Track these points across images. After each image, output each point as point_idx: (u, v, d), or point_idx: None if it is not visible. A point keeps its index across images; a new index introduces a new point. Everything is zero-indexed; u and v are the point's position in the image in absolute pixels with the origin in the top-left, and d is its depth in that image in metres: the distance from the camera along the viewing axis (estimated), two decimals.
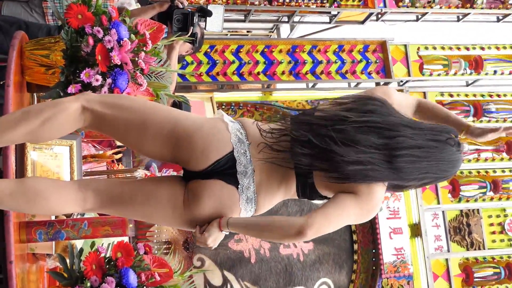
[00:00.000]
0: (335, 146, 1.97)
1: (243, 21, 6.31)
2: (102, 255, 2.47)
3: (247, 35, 7.27)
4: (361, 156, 1.97)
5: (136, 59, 2.71)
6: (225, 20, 6.51)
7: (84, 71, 2.59)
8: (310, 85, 6.15)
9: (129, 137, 2.17)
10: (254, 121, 2.21)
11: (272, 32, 7.01)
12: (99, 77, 2.59)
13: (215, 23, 4.28)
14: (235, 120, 2.21)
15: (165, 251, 4.96)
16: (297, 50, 5.99)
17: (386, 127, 2.01)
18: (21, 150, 2.64)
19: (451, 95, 6.21)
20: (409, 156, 2.00)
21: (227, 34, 7.42)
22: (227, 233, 2.15)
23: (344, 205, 2.05)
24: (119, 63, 2.63)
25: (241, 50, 5.88)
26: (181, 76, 5.56)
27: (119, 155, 3.56)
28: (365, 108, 2.06)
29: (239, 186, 2.08)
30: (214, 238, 2.14)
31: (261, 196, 2.13)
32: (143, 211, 2.18)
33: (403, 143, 2.00)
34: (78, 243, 2.83)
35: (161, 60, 2.94)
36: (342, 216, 2.05)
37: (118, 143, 3.81)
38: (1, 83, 2.71)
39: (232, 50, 5.86)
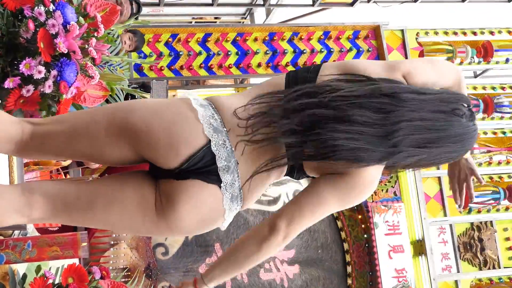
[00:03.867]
0: (329, 124, 1.95)
1: (211, 4, 6.31)
2: (50, 281, 2.44)
3: (216, 22, 7.25)
4: (355, 133, 1.96)
5: (86, 46, 2.68)
6: (189, 4, 6.53)
7: (24, 61, 2.55)
8: None
9: (80, 147, 2.08)
10: (229, 99, 2.17)
11: (245, 18, 7.01)
12: (42, 69, 2.55)
13: None
14: (204, 101, 2.11)
15: (124, 279, 4.93)
16: (275, 38, 5.99)
17: (386, 94, 2.01)
18: None
19: None
20: (408, 128, 1.99)
21: (191, 21, 7.40)
22: None
23: (319, 191, 2.06)
24: (65, 52, 2.60)
25: (209, 39, 5.85)
26: (138, 71, 5.53)
27: (68, 162, 3.50)
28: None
29: (222, 185, 2.02)
30: None
31: (247, 189, 2.07)
32: (105, 218, 2.06)
33: (402, 116, 1.97)
34: (21, 268, 2.78)
35: (116, 47, 2.93)
36: (317, 203, 2.05)
37: None
38: None
39: (198, 40, 5.84)
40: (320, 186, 2.07)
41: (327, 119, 1.97)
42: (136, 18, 3.79)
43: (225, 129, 2.05)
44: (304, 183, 4.79)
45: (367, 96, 2.00)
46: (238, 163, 2.03)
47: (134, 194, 2.08)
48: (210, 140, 2.02)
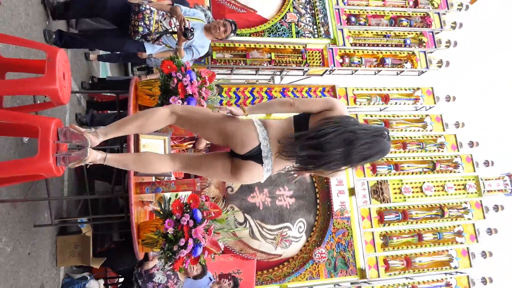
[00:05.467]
0: (319, 152, 1.92)
1: (255, 74, 6.29)
2: (182, 201, 2.45)
3: (256, 82, 7.21)
4: (332, 158, 1.91)
5: (200, 91, 2.70)
6: (244, 74, 6.52)
7: (172, 97, 2.57)
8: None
9: (198, 128, 2.12)
10: (273, 121, 2.12)
11: (270, 81, 6.96)
12: (180, 101, 2.58)
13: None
14: (260, 121, 2.09)
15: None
16: (285, 91, 5.96)
17: (348, 131, 1.94)
18: (136, 142, 2.63)
19: (372, 116, 6.16)
20: (358, 152, 1.93)
21: (245, 82, 7.37)
22: None
23: None
24: (191, 93, 2.62)
25: (254, 90, 5.85)
26: (220, 104, 5.53)
27: (190, 145, 3.52)
28: (335, 120, 2.01)
29: (263, 165, 2.03)
30: None
31: (275, 166, 2.08)
32: (206, 173, 2.13)
33: (356, 145, 1.91)
34: (167, 195, 2.81)
35: (214, 93, 2.92)
36: None
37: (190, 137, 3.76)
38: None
39: (249, 90, 5.83)
40: None
41: (318, 155, 1.92)
42: (236, 33, 3.57)
43: (268, 137, 2.04)
44: None
45: (339, 133, 1.93)
46: (272, 154, 2.02)
47: (221, 163, 2.12)
48: (260, 143, 2.00)
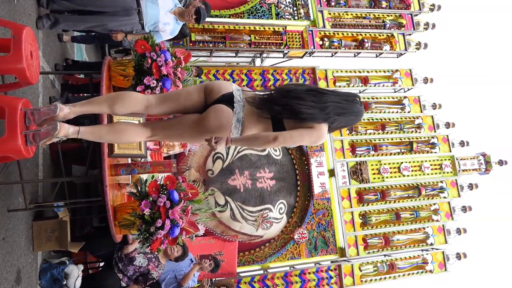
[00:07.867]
0: (294, 101, 1.97)
1: (234, 56, 6.22)
2: (158, 182, 2.43)
3: (237, 64, 7.14)
4: (308, 106, 1.96)
5: (176, 72, 2.65)
6: (223, 56, 6.43)
7: (146, 78, 2.52)
8: None
9: (180, 97, 2.09)
10: (253, 93, 2.14)
11: (251, 63, 6.89)
12: (155, 82, 2.53)
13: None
14: (239, 87, 2.14)
15: None
16: (265, 73, 5.92)
17: (318, 92, 2.02)
18: (110, 122, 2.57)
19: None
20: (332, 107, 1.99)
21: (225, 64, 7.29)
22: (229, 146, 2.04)
23: (302, 132, 2.00)
24: (166, 74, 2.57)
25: (234, 73, 5.79)
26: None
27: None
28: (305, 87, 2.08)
29: (234, 110, 2.00)
30: (221, 147, 1.99)
31: (246, 122, 2.04)
32: (177, 131, 2.07)
33: (328, 100, 1.99)
34: (144, 176, 2.77)
35: (190, 73, 2.88)
36: (299, 136, 2.00)
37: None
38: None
39: (229, 73, 5.77)
40: (303, 131, 2.00)
41: (293, 99, 1.97)
42: (199, 23, 3.57)
43: (243, 92, 2.06)
44: None
45: (306, 91, 2.02)
46: (244, 106, 2.03)
47: (190, 117, 2.07)
48: (233, 91, 2.04)
